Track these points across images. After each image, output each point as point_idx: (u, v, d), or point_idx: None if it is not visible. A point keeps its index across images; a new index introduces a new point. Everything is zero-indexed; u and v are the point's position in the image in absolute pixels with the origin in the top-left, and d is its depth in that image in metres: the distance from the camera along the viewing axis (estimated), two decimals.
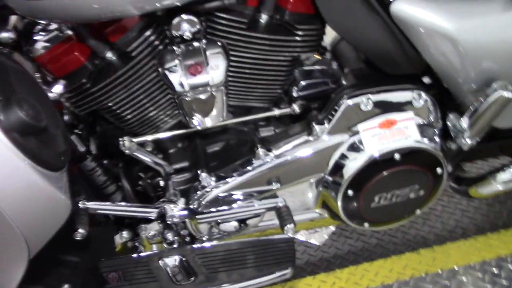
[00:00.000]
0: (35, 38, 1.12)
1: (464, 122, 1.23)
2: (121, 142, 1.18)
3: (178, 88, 1.04)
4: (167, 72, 1.04)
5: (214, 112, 1.11)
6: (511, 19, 1.11)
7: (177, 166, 1.29)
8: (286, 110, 1.27)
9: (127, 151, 1.18)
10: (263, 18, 1.16)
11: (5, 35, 1.05)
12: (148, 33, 1.10)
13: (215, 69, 1.05)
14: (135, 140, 1.20)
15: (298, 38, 1.18)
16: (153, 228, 1.33)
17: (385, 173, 1.21)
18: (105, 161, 1.33)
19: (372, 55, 1.18)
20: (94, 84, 1.12)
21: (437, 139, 1.26)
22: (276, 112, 1.27)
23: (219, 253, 1.19)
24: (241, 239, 1.25)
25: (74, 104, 1.17)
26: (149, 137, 1.22)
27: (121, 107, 1.17)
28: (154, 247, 1.37)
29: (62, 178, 0.90)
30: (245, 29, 1.13)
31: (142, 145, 1.28)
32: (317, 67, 1.37)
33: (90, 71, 1.12)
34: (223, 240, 1.28)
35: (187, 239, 1.33)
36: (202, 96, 1.06)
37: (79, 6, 0.95)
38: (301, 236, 1.62)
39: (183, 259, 1.18)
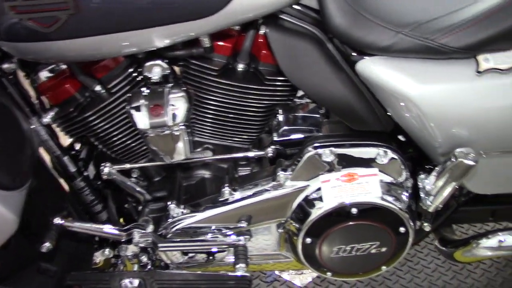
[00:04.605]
0: (38, 69, 1.27)
1: (428, 184, 1.22)
2: (101, 168, 1.30)
3: (140, 126, 1.14)
4: (132, 111, 1.14)
5: (176, 149, 1.20)
6: (475, 87, 1.10)
7: (156, 194, 1.39)
8: (261, 153, 1.33)
9: (105, 176, 1.30)
10: (240, 66, 1.23)
11: (7, 65, 1.20)
12: (129, 72, 1.22)
13: (175, 111, 1.14)
14: (115, 166, 1.32)
15: (269, 88, 1.24)
16: (132, 250, 1.44)
17: (341, 225, 1.23)
18: (98, 182, 1.46)
19: (338, 111, 1.21)
20: (81, 114, 1.25)
21: (404, 198, 1.25)
22: (250, 154, 1.33)
23: (176, 282, 1.26)
24: (200, 271, 1.31)
25: (64, 130, 1.30)
26: (128, 165, 1.32)
27: (104, 136, 1.28)
28: (135, 267, 1.47)
29: (16, 196, 1.03)
30: (216, 75, 1.21)
31: (128, 171, 1.40)
32: (304, 114, 1.42)
33: (78, 102, 1.25)
34: (185, 270, 1.35)
35: (162, 264, 1.42)
36: (163, 135, 1.15)
37: (61, 49, 1.07)
38: (286, 275, 1.65)
39: (142, 282, 1.26)
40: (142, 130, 1.15)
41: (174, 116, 1.14)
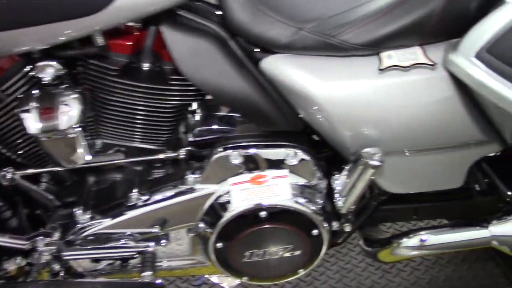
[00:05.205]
0: None
1: (339, 184, 1.19)
2: (2, 173, 1.24)
3: (31, 130, 1.08)
4: (22, 114, 1.08)
5: (72, 154, 1.14)
6: (377, 85, 1.07)
7: (66, 200, 1.33)
8: (172, 155, 1.28)
9: (5, 183, 1.24)
10: (144, 66, 1.17)
11: None
12: (24, 72, 1.14)
13: (68, 113, 1.08)
14: (18, 172, 1.25)
15: (175, 88, 1.19)
16: (45, 257, 1.37)
17: (252, 229, 1.19)
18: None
19: (243, 112, 1.17)
20: None
21: (317, 199, 1.22)
22: (161, 156, 1.28)
23: None
24: (111, 279, 1.26)
25: None
26: (31, 170, 1.26)
27: (5, 140, 1.22)
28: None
29: None
30: (116, 75, 1.15)
31: (38, 176, 1.33)
32: (221, 113, 1.37)
33: None
34: (101, 277, 1.29)
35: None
36: (57, 139, 1.10)
37: None
38: (215, 278, 1.61)
39: None
40: (33, 134, 1.09)
41: (66, 118, 1.08)
